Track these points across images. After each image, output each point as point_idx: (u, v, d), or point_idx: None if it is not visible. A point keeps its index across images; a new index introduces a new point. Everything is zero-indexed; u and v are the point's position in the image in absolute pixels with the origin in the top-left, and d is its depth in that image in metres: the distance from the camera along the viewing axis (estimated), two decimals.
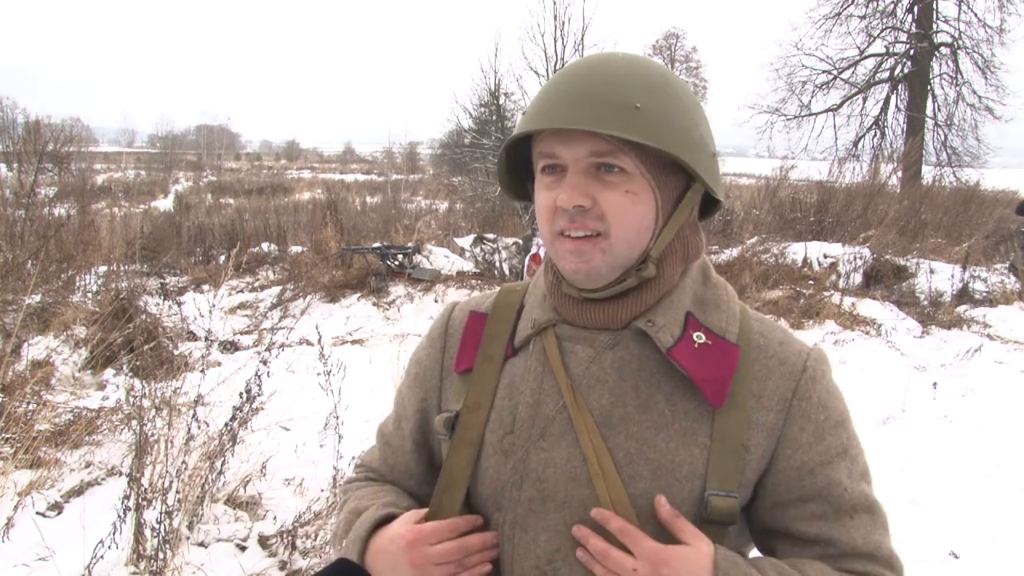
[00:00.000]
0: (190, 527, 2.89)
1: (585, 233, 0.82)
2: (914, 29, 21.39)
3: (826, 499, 0.84)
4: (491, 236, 9.50)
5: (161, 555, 2.59)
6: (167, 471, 2.77)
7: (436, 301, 7.51)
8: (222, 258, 9.33)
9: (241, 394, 3.00)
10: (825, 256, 8.47)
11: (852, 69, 22.13)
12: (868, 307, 7.09)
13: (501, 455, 0.88)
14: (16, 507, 2.92)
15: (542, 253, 5.25)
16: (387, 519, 0.92)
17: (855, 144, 21.96)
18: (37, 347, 4.87)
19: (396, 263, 8.07)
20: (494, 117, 18.55)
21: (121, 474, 3.21)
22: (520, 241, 8.64)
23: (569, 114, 0.79)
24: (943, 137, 21.70)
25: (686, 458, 0.83)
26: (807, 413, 0.85)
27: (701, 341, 0.85)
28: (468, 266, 8.62)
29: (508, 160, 0.91)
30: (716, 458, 0.82)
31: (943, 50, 21.42)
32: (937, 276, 8.16)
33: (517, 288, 1.00)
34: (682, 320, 0.87)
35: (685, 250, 0.89)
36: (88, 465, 3.44)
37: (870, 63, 22.17)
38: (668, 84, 0.83)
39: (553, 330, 0.91)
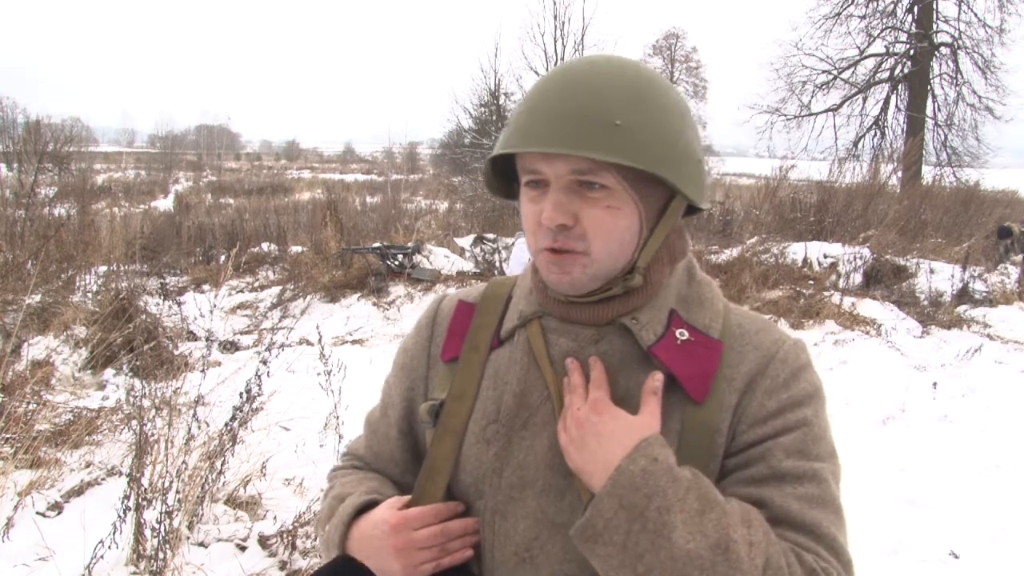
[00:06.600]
0: (190, 527, 2.88)
1: (567, 249, 0.83)
2: (914, 29, 21.40)
3: (767, 462, 0.81)
4: (491, 236, 9.50)
5: (161, 555, 2.59)
6: (167, 471, 2.77)
7: None
8: (222, 258, 9.33)
9: (241, 394, 3.00)
10: (825, 256, 8.47)
11: (852, 69, 22.15)
12: (868, 307, 7.08)
13: (484, 443, 0.89)
14: (16, 507, 2.92)
15: None
16: (370, 505, 0.93)
17: (855, 144, 21.97)
18: (37, 347, 4.87)
19: (396, 263, 8.06)
20: (494, 117, 18.57)
21: (121, 474, 3.21)
22: None
23: (549, 134, 0.78)
24: (943, 137, 21.72)
25: None
26: (770, 392, 0.84)
27: (684, 338, 0.86)
28: (468, 266, 8.62)
29: (494, 163, 0.91)
30: (687, 446, 0.82)
31: (943, 50, 21.43)
32: (937, 276, 8.17)
33: (506, 281, 1.01)
34: (665, 318, 0.87)
35: (671, 254, 0.90)
36: (88, 465, 3.44)
37: (870, 63, 22.19)
38: (652, 92, 0.82)
39: (539, 322, 0.92)
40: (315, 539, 2.90)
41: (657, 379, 0.82)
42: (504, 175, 0.93)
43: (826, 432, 0.86)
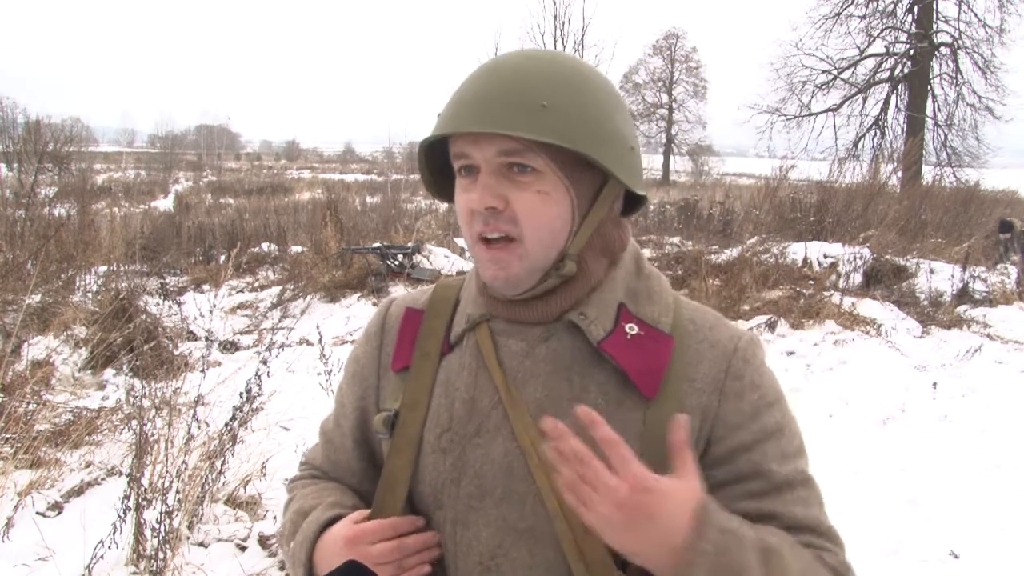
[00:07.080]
0: (190, 527, 2.89)
1: (499, 235, 0.82)
2: (914, 29, 21.41)
3: (764, 476, 0.83)
4: None
5: (161, 555, 2.59)
6: (167, 471, 2.78)
7: None
8: (222, 258, 9.32)
9: (241, 394, 3.01)
10: (825, 256, 8.46)
11: (852, 69, 22.19)
12: (868, 307, 7.08)
13: (439, 453, 0.88)
14: (16, 507, 2.93)
15: None
16: (334, 520, 0.92)
17: (855, 144, 22.01)
18: (37, 347, 4.87)
19: (396, 263, 8.07)
20: None
21: (121, 474, 3.21)
22: None
23: (475, 116, 0.79)
24: (943, 137, 21.75)
25: None
26: (741, 393, 0.84)
27: (633, 332, 0.85)
28: (468, 266, 8.62)
29: (431, 161, 0.91)
30: (650, 447, 0.81)
31: (943, 50, 21.45)
32: (937, 276, 8.16)
33: (453, 283, 1.00)
34: (614, 312, 0.86)
35: (606, 244, 0.89)
36: (88, 465, 3.44)
37: (870, 63, 22.22)
38: (579, 78, 0.82)
39: (487, 325, 0.91)
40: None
41: (682, 423, 0.74)
42: (441, 173, 0.92)
43: (795, 427, 0.88)
